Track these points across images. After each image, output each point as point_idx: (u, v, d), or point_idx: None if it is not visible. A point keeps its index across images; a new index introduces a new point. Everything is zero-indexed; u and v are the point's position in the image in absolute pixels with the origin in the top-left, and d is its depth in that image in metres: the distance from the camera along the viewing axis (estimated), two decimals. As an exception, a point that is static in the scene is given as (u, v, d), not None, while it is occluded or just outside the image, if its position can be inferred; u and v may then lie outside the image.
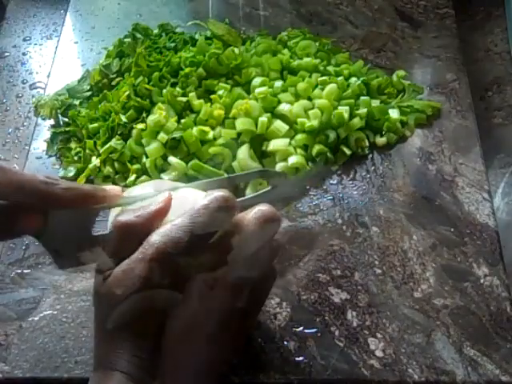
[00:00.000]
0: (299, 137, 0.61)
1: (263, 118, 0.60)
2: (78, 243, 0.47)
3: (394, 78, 0.68)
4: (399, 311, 0.52)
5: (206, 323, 0.41)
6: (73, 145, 0.63)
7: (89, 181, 0.60)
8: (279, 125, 0.61)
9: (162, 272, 0.39)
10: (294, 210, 0.59)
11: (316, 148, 0.60)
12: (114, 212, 0.46)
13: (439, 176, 0.61)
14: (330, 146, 0.61)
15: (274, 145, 0.60)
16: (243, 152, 0.59)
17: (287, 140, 0.61)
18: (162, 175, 0.59)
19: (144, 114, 0.61)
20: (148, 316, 0.40)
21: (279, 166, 0.60)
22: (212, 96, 0.62)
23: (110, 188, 0.47)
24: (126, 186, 0.59)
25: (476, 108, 0.66)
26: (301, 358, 0.50)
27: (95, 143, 0.61)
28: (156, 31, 0.71)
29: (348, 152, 0.61)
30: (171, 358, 0.40)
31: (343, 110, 0.61)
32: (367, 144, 0.63)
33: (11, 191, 0.41)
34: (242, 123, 0.60)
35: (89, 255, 0.48)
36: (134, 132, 0.60)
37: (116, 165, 0.60)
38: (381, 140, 0.63)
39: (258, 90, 0.62)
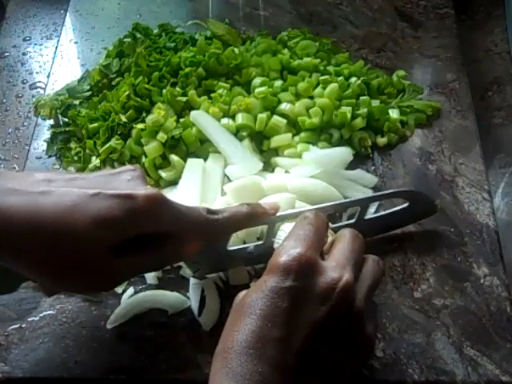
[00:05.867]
0: (303, 135, 0.61)
1: (262, 115, 0.60)
2: (216, 256, 0.51)
3: (394, 78, 0.68)
4: (399, 311, 0.52)
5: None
6: (73, 145, 0.63)
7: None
8: (277, 120, 0.61)
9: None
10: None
11: (319, 146, 0.61)
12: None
13: (439, 176, 0.61)
14: (333, 145, 0.61)
15: (277, 141, 0.60)
16: (246, 146, 0.59)
17: (289, 135, 0.61)
18: (161, 173, 0.59)
19: (144, 114, 0.61)
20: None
21: (286, 154, 0.60)
22: (212, 95, 0.63)
23: (268, 206, 0.50)
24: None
25: (476, 108, 0.66)
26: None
27: (95, 143, 0.61)
28: (156, 31, 0.71)
29: (352, 152, 0.61)
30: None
31: (347, 110, 0.61)
32: (370, 143, 0.63)
33: (181, 229, 0.44)
34: (242, 118, 0.60)
35: (223, 266, 0.53)
36: (134, 132, 0.60)
37: (116, 165, 0.60)
38: (381, 140, 0.63)
39: (258, 90, 0.62)
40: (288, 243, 0.43)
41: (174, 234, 0.44)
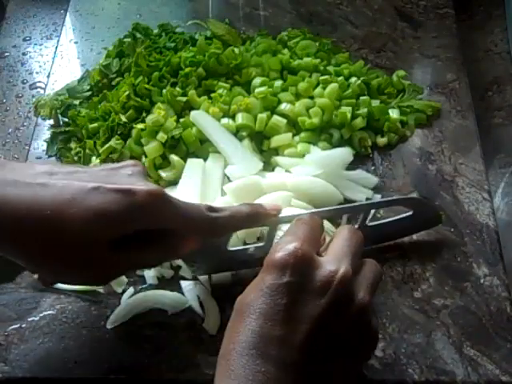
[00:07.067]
0: (303, 135, 0.61)
1: (262, 115, 0.60)
2: (215, 255, 0.50)
3: (394, 78, 0.68)
4: (399, 311, 0.52)
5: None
6: (73, 145, 0.63)
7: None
8: (277, 119, 0.61)
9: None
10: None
11: (320, 146, 0.61)
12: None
13: (439, 176, 0.61)
14: (334, 145, 0.61)
15: (277, 140, 0.60)
16: (246, 146, 0.59)
17: (289, 134, 0.61)
18: (161, 173, 0.59)
19: (144, 114, 0.61)
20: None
21: (286, 154, 0.60)
22: (212, 95, 0.63)
23: (270, 206, 0.49)
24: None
25: (476, 108, 0.66)
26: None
27: (95, 143, 0.61)
28: (156, 31, 0.71)
29: (352, 152, 0.61)
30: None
31: (347, 110, 0.61)
32: (370, 143, 0.63)
33: (181, 226, 0.44)
34: (242, 118, 0.60)
35: (222, 266, 0.52)
36: (134, 132, 0.60)
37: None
38: (381, 140, 0.63)
39: (258, 90, 0.62)
40: (283, 239, 0.43)
41: (173, 230, 0.44)
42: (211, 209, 0.45)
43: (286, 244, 0.41)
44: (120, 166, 0.44)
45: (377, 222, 0.54)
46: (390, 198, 0.56)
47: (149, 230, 0.42)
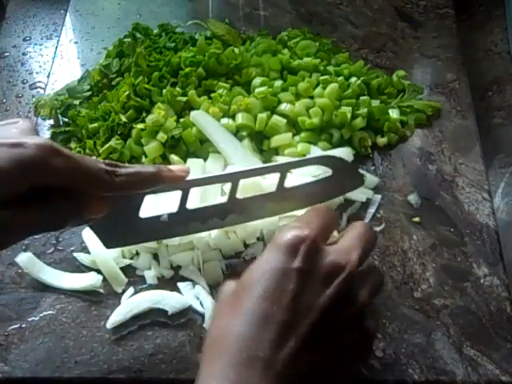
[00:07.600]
0: (303, 135, 0.61)
1: (262, 115, 0.60)
2: (126, 224, 0.48)
3: (394, 78, 0.68)
4: (399, 311, 0.52)
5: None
6: (73, 145, 0.63)
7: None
8: (277, 119, 0.61)
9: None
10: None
11: (320, 146, 0.61)
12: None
13: (439, 176, 0.61)
14: (334, 145, 0.61)
15: (277, 140, 0.60)
16: (246, 146, 0.59)
17: (290, 134, 0.61)
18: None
19: (144, 114, 0.61)
20: None
21: (286, 154, 0.60)
22: (212, 95, 0.63)
23: (177, 168, 0.48)
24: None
25: (476, 108, 0.66)
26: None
27: (95, 143, 0.61)
28: (156, 31, 0.71)
29: (352, 152, 0.61)
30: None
31: (347, 110, 0.61)
32: (370, 143, 0.63)
33: (75, 180, 0.41)
34: (242, 117, 0.60)
35: (135, 237, 0.50)
36: (134, 132, 0.60)
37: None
38: (381, 140, 0.63)
39: (258, 90, 0.62)
40: (295, 224, 0.42)
41: (72, 188, 0.41)
42: (110, 164, 0.43)
43: (297, 229, 0.41)
44: (7, 122, 0.43)
45: (295, 184, 0.52)
46: (307, 157, 0.56)
47: (47, 187, 0.40)
